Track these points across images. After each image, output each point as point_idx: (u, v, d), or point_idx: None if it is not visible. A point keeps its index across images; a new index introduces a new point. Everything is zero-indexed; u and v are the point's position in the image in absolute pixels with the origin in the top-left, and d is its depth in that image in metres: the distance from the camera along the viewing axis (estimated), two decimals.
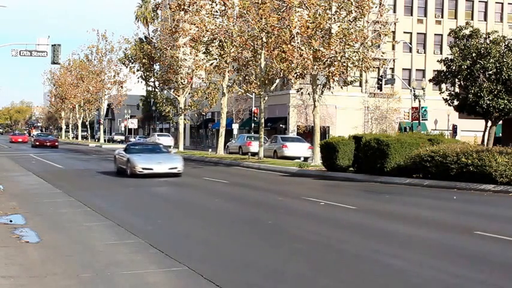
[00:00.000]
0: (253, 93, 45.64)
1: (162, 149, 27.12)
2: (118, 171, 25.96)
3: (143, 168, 23.85)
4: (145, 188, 20.51)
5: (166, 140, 68.87)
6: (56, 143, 62.12)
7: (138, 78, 54.51)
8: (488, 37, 35.54)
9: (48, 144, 60.81)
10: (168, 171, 24.21)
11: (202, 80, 51.75)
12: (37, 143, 61.55)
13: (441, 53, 62.23)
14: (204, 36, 39.12)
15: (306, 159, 38.67)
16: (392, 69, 63.05)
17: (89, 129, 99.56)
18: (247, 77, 39.34)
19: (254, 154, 41.69)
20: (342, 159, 26.42)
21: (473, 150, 21.40)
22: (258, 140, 42.48)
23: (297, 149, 40.34)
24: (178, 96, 51.16)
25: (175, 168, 24.43)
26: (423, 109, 46.71)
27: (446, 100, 37.50)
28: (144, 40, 55.99)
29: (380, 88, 52.44)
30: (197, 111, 66.70)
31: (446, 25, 62.86)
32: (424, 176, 22.83)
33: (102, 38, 75.68)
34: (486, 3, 67.40)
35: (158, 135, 73.60)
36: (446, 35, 55.02)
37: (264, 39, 34.75)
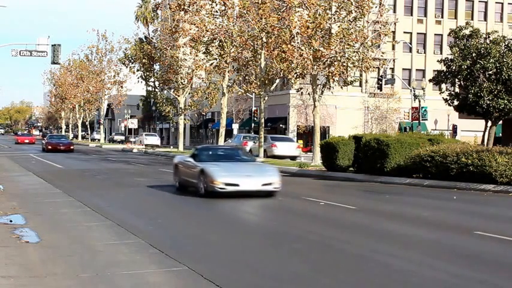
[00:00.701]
0: (253, 93, 45.67)
1: (244, 156, 20.06)
2: (181, 186, 19.36)
3: (226, 184, 16.81)
4: (144, 188, 20.51)
5: (153, 140, 68.93)
6: (72, 147, 52.26)
7: (138, 78, 54.53)
8: (488, 37, 35.54)
9: (62, 148, 50.94)
10: (260, 188, 17.23)
11: (202, 80, 51.76)
12: (49, 147, 50.86)
13: (441, 53, 62.25)
14: (204, 36, 39.14)
15: (294, 158, 39.95)
16: (392, 69, 63.07)
17: (88, 129, 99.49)
18: (247, 77, 39.36)
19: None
20: (342, 159, 26.43)
21: (473, 150, 21.41)
22: (253, 140, 44.68)
23: (286, 148, 41.62)
24: (178, 96, 51.16)
25: (270, 184, 17.24)
26: (423, 109, 46.72)
27: (446, 100, 37.51)
28: (144, 40, 56.01)
29: (380, 88, 52.45)
30: (197, 111, 66.74)
31: (446, 25, 62.88)
32: (424, 176, 22.83)
33: (102, 38, 75.75)
34: (486, 3, 67.42)
35: (146, 134, 73.75)
36: (446, 35, 55.04)
37: (264, 39, 34.76)
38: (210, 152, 19.85)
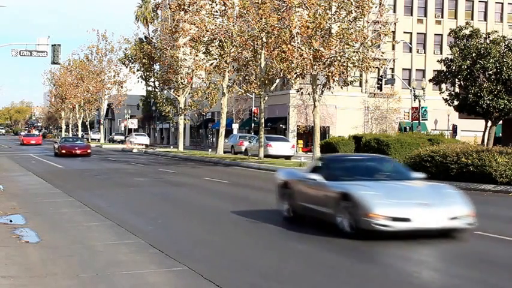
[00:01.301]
0: (253, 93, 45.67)
1: (398, 169, 13.01)
2: (295, 215, 13.07)
3: (394, 219, 10.43)
4: (145, 188, 20.51)
5: (143, 139, 69.22)
6: (89, 150, 44.30)
7: (138, 78, 54.56)
8: (488, 37, 35.57)
9: (78, 152, 43.32)
10: (447, 225, 10.78)
11: (202, 80, 51.78)
12: (63, 151, 43.16)
13: (441, 53, 62.23)
14: (204, 36, 39.12)
15: (289, 157, 40.85)
16: (392, 69, 63.07)
17: (88, 128, 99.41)
18: (247, 77, 39.35)
19: (246, 153, 44.31)
20: None
21: (473, 150, 21.42)
22: (249, 140, 45.84)
23: (281, 148, 42.44)
24: (178, 96, 51.18)
25: (456, 217, 10.80)
26: (423, 109, 46.73)
27: (446, 100, 37.53)
28: (144, 40, 56.04)
29: (380, 88, 52.48)
30: (197, 111, 66.75)
31: (446, 25, 62.88)
32: None
33: (102, 38, 75.75)
34: (486, 3, 67.42)
35: (136, 134, 74.00)
36: (446, 35, 55.05)
37: (264, 39, 34.74)
38: (347, 164, 13.24)
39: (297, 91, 36.38)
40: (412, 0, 65.46)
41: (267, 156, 40.12)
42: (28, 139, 72.72)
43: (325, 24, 31.48)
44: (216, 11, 38.42)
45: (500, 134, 43.58)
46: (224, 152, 46.83)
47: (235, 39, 37.82)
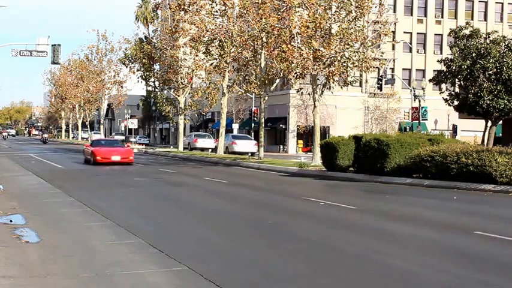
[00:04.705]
0: (253, 93, 45.71)
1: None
2: None
3: None
4: (145, 188, 20.50)
5: (97, 137, 70.96)
6: None
7: (138, 78, 54.61)
8: (488, 37, 35.54)
9: None
10: None
11: (202, 80, 51.82)
12: None
13: (441, 53, 62.27)
14: (204, 36, 39.12)
15: (253, 154, 44.13)
16: (392, 69, 63.10)
17: (88, 128, 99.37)
18: (247, 77, 39.36)
19: (203, 150, 50.11)
20: (342, 159, 26.43)
21: (473, 150, 21.41)
22: (203, 138, 52.57)
23: (245, 145, 46.15)
24: (178, 96, 51.20)
25: None
26: (423, 109, 46.77)
27: (446, 100, 37.52)
28: (144, 40, 56.07)
29: (380, 88, 52.48)
30: (197, 111, 66.81)
31: (446, 25, 62.91)
32: (424, 176, 22.83)
33: (102, 38, 75.87)
34: (486, 3, 67.46)
35: (94, 133, 76.21)
36: (446, 35, 55.07)
37: (264, 39, 34.74)
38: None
39: (297, 91, 36.39)
40: (412, 0, 65.47)
41: (232, 152, 44.10)
42: (106, 153, 33.45)
43: (325, 24, 31.50)
44: (216, 11, 38.41)
45: (500, 134, 43.57)
46: (185, 149, 50.21)
47: (235, 39, 37.82)
